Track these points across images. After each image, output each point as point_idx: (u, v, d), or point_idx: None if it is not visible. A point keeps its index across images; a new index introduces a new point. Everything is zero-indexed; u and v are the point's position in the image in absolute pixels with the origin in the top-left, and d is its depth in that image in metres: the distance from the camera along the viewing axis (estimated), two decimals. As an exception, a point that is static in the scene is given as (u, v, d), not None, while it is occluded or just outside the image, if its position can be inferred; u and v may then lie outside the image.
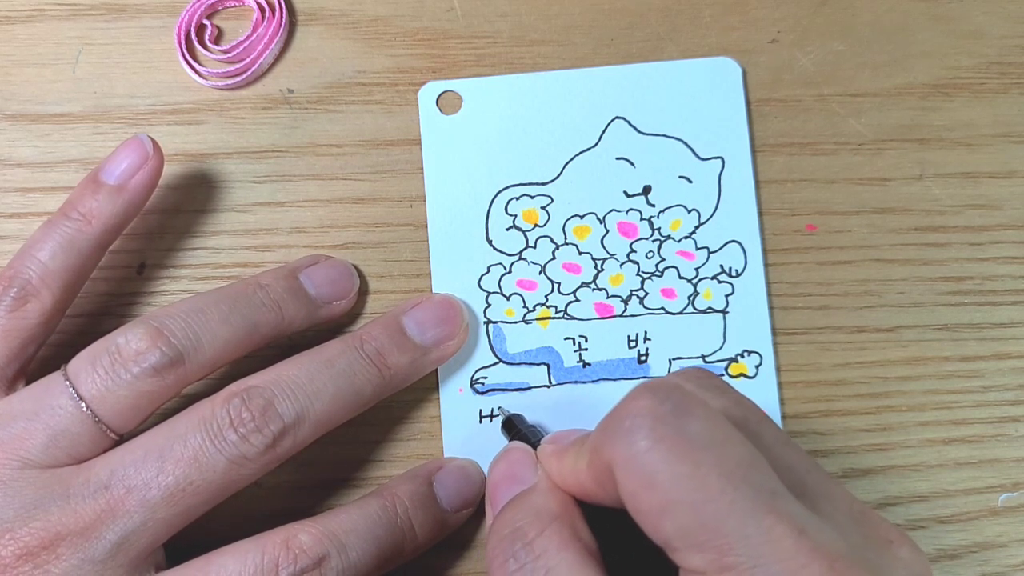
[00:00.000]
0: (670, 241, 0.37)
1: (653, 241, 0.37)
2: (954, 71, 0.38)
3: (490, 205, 0.37)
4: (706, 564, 0.23)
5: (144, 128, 0.37)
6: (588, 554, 0.26)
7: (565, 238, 0.37)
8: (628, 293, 0.36)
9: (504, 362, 0.36)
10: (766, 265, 0.37)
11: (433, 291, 0.36)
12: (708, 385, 0.27)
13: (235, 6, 0.38)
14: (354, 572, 0.30)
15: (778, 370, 0.36)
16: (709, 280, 0.36)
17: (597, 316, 0.36)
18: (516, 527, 0.27)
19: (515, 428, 0.34)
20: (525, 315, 0.36)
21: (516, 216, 0.37)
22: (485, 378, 0.36)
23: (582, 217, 0.37)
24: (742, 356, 0.36)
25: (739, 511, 0.23)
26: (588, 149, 0.37)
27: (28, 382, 0.32)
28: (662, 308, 0.36)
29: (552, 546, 0.26)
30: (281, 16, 0.37)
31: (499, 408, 0.36)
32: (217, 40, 0.38)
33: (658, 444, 0.24)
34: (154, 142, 0.34)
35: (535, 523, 0.27)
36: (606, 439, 0.25)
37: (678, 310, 0.36)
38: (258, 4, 0.38)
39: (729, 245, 0.37)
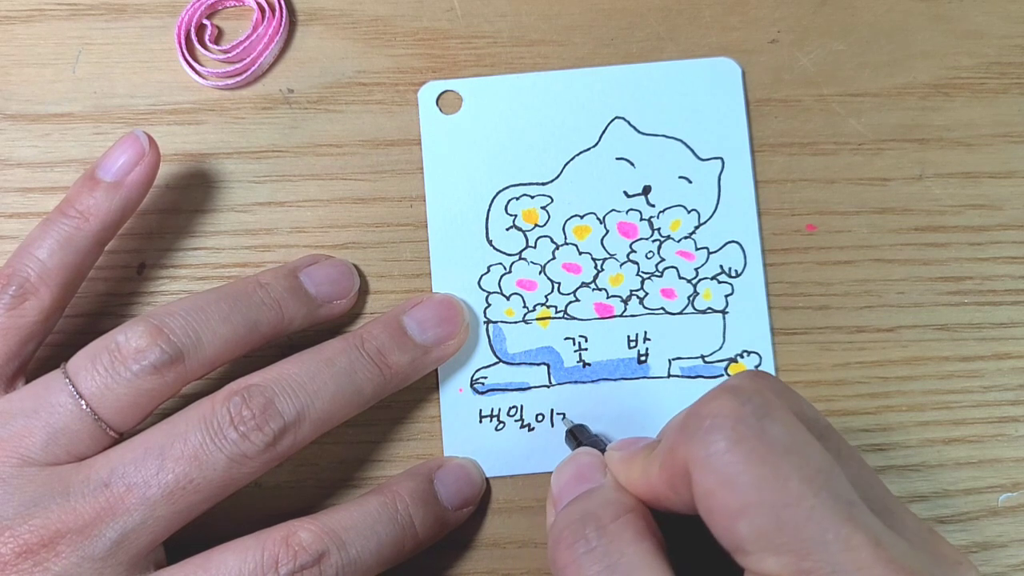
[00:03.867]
0: (670, 241, 0.37)
1: (653, 241, 0.37)
2: (954, 71, 0.38)
3: (490, 205, 0.37)
4: (781, 567, 0.23)
5: (144, 128, 0.37)
6: (662, 550, 0.26)
7: (565, 238, 0.37)
8: (628, 293, 0.36)
9: (504, 362, 0.36)
10: (766, 265, 0.37)
11: (433, 291, 0.36)
12: (778, 389, 0.26)
13: (235, 6, 0.38)
14: (354, 569, 0.30)
15: (778, 370, 0.36)
16: (709, 280, 0.36)
17: (597, 316, 0.36)
18: (588, 512, 0.26)
19: (577, 438, 0.34)
20: (525, 315, 0.36)
21: (516, 216, 0.37)
22: (485, 378, 0.36)
23: (582, 217, 0.37)
24: (742, 356, 0.36)
25: (819, 517, 0.22)
26: (588, 149, 0.37)
27: (27, 381, 0.32)
28: (662, 308, 0.36)
29: (628, 534, 0.26)
30: (281, 16, 0.38)
31: (563, 418, 0.35)
32: (217, 40, 0.38)
33: (738, 445, 0.23)
34: (150, 137, 0.34)
35: (610, 510, 0.26)
36: (684, 438, 0.24)
37: (678, 310, 0.36)
38: (258, 4, 0.38)
39: (729, 245, 0.37)
